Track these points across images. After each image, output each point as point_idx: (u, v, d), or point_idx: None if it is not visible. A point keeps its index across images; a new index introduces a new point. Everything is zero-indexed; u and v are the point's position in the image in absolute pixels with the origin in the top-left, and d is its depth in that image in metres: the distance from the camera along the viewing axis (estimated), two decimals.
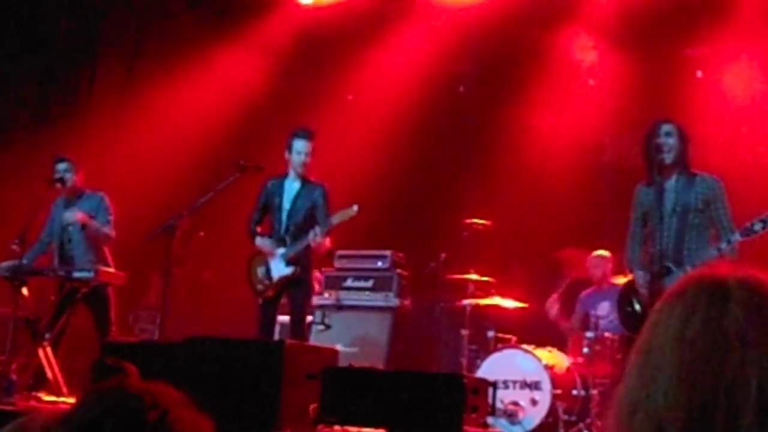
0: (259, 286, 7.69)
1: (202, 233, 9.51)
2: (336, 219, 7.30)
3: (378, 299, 9.06)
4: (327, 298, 9.08)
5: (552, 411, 7.61)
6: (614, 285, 8.20)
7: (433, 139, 10.70)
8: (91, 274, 7.57)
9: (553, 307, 8.57)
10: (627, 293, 6.40)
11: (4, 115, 10.02)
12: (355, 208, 7.22)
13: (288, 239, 7.55)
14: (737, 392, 1.09)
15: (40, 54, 10.19)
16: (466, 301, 8.50)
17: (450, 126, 10.90)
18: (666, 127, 6.21)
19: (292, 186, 7.64)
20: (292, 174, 7.64)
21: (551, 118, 10.06)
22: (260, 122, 10.75)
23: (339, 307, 9.01)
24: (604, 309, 8.30)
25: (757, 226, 5.77)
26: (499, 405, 7.06)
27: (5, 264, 7.59)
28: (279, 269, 7.59)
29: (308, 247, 7.44)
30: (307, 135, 7.50)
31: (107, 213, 8.08)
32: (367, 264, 9.17)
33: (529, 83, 10.03)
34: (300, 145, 7.50)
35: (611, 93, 9.85)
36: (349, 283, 9.16)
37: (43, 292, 7.95)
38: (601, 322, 8.04)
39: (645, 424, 1.12)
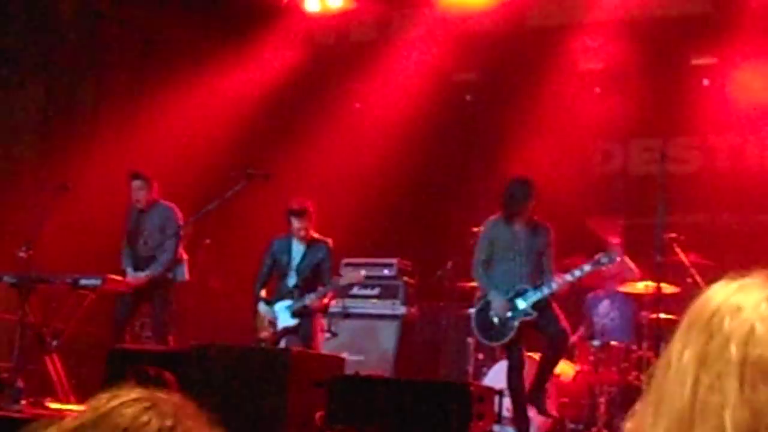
0: (264, 333, 7.94)
1: (208, 241, 9.51)
2: (344, 281, 8.18)
3: (385, 307, 9.06)
4: (333, 306, 9.07)
5: (558, 419, 7.60)
6: (616, 289, 8.24)
7: (439, 147, 10.70)
8: (98, 282, 7.58)
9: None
10: (486, 309, 7.21)
11: (9, 128, 10.03)
12: (363, 272, 8.19)
13: (296, 293, 7.91)
14: None
15: (45, 67, 10.19)
16: (472, 309, 8.49)
17: (457, 134, 10.90)
18: None
19: (298, 247, 8.03)
20: (296, 238, 8.02)
21: (558, 127, 10.05)
22: (267, 131, 10.76)
23: (346, 315, 9.00)
24: (605, 307, 8.35)
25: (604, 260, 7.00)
26: (505, 413, 7.05)
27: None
28: (285, 319, 7.90)
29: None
30: (300, 213, 7.91)
31: (175, 224, 8.24)
32: (373, 272, 9.16)
33: (536, 92, 10.02)
34: (296, 223, 7.92)
35: (618, 101, 9.84)
36: (355, 291, 9.16)
37: (52, 300, 7.95)
38: (599, 321, 8.16)
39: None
